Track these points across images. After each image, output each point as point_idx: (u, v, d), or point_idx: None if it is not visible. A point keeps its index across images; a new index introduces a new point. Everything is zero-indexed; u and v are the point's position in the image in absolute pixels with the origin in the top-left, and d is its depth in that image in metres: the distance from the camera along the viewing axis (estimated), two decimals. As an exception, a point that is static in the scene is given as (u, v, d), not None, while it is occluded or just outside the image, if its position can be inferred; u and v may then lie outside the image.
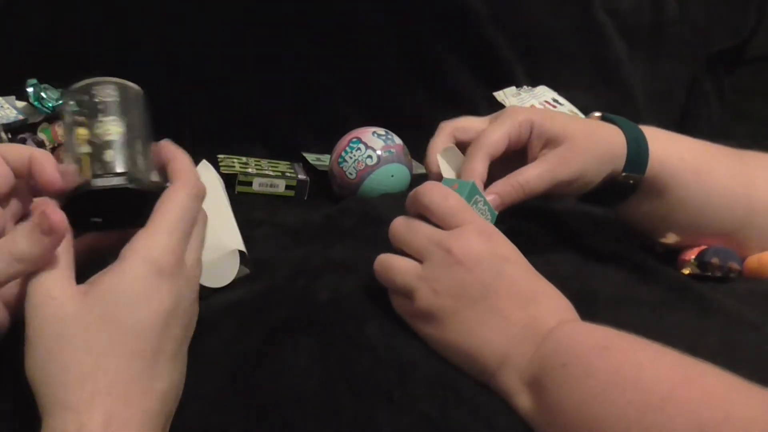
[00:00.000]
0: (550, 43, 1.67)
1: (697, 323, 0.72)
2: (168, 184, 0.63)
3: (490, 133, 0.82)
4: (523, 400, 0.63)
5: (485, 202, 0.77)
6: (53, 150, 1.21)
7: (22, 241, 0.55)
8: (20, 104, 1.25)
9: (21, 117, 1.20)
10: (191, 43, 1.56)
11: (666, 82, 1.71)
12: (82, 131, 0.62)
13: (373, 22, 1.56)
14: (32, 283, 0.57)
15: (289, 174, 1.29)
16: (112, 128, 0.63)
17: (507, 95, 1.56)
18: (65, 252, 0.59)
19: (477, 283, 0.66)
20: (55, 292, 0.56)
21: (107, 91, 0.66)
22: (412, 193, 0.74)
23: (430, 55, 1.62)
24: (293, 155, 1.44)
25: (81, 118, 0.63)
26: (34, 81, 1.26)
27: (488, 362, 0.65)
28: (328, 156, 1.26)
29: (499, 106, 1.54)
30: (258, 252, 0.95)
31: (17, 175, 0.62)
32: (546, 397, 0.61)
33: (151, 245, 0.58)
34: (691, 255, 0.88)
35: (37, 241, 0.55)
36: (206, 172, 0.98)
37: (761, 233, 0.89)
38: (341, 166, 1.18)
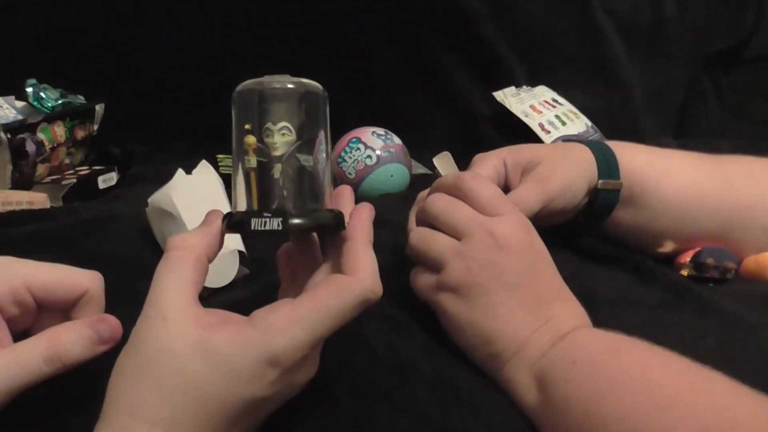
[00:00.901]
0: (549, 43, 1.68)
1: (695, 324, 0.72)
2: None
3: (476, 171, 0.82)
4: (528, 394, 0.64)
5: None
6: (53, 150, 1.21)
7: (74, 347, 0.55)
8: (19, 104, 1.25)
9: (20, 117, 1.20)
10: (191, 44, 1.56)
11: (664, 81, 1.71)
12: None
13: (373, 22, 1.56)
14: (152, 291, 0.56)
15: (288, 174, 1.29)
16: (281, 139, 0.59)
17: (506, 95, 1.56)
18: (191, 267, 0.57)
19: (512, 271, 0.67)
20: (169, 314, 0.54)
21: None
22: (451, 177, 0.74)
23: (429, 55, 1.62)
24: (293, 155, 1.44)
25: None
26: (33, 81, 1.26)
27: (505, 348, 0.66)
28: (328, 156, 1.26)
29: (498, 106, 1.54)
30: (258, 252, 0.95)
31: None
32: (552, 392, 0.61)
33: (283, 336, 0.53)
34: (687, 257, 0.89)
35: (89, 350, 0.56)
36: (206, 172, 0.98)
37: (752, 232, 0.89)
38: (341, 166, 1.18)
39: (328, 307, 0.54)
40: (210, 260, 0.59)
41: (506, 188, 0.83)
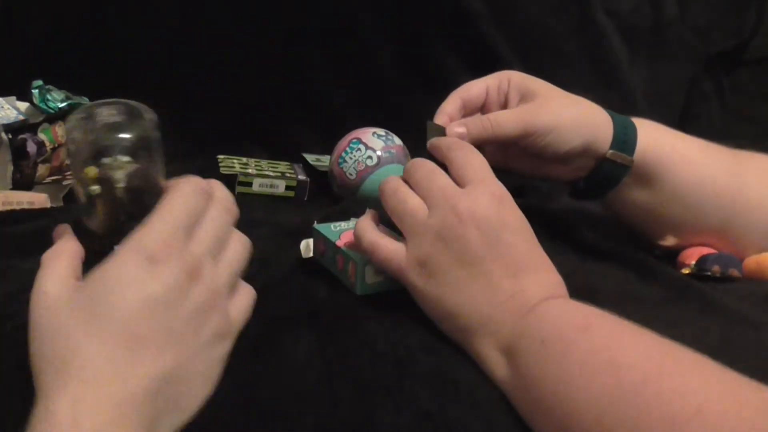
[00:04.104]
0: (549, 44, 1.68)
1: (697, 321, 0.72)
2: None
3: (469, 83, 0.87)
4: (498, 369, 0.64)
5: None
6: (53, 150, 1.21)
7: None
8: (21, 105, 1.25)
9: (21, 117, 1.20)
10: (191, 44, 1.56)
11: (666, 83, 1.71)
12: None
13: (373, 22, 1.56)
14: (35, 282, 0.58)
15: (289, 174, 1.29)
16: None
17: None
18: (65, 251, 0.61)
19: (475, 246, 0.67)
20: (49, 287, 0.57)
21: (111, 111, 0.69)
22: (440, 140, 0.75)
23: (429, 56, 1.62)
24: (293, 156, 1.44)
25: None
26: (39, 82, 1.26)
27: (469, 323, 0.66)
28: (328, 156, 1.26)
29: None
30: (258, 252, 0.95)
31: None
32: (523, 370, 0.62)
33: (143, 233, 0.58)
34: (692, 259, 0.88)
35: None
36: None
37: (755, 232, 0.89)
38: (341, 166, 1.18)
39: (169, 200, 0.62)
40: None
41: (505, 106, 0.85)
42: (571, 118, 0.83)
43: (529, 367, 0.61)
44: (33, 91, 1.26)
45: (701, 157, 0.88)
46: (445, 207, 0.68)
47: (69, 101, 1.28)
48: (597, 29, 1.67)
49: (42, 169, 1.20)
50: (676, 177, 0.86)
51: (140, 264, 0.56)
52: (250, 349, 0.68)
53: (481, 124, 0.81)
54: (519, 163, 0.90)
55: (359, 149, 1.17)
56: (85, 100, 1.32)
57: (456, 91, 0.86)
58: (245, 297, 0.66)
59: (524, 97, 0.84)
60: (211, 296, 0.59)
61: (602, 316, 0.62)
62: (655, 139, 0.86)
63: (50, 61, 1.54)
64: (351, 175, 1.17)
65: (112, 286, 0.55)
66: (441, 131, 0.82)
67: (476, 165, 0.71)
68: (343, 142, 1.20)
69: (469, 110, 0.86)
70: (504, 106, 0.86)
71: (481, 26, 1.60)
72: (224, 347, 0.61)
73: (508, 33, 1.63)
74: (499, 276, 0.66)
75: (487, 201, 0.68)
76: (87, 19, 1.59)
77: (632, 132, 0.85)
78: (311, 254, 0.86)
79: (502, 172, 1.08)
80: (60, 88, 1.30)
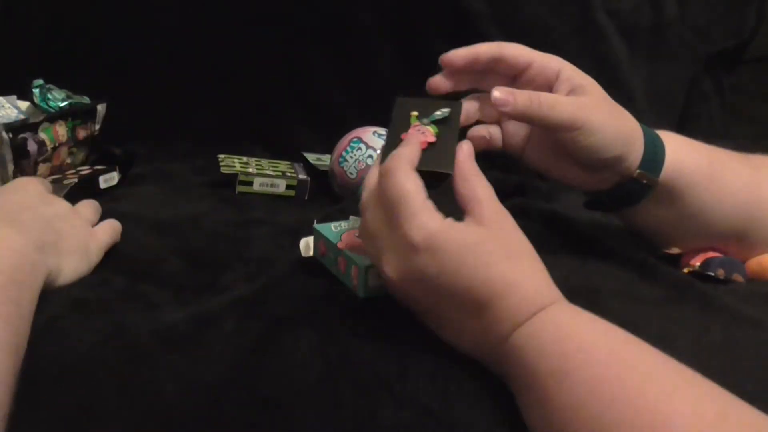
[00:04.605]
0: (550, 44, 1.66)
1: (700, 319, 0.72)
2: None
3: (515, 44, 0.82)
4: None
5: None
6: (54, 150, 1.21)
7: None
8: (22, 104, 1.25)
9: (22, 117, 1.20)
10: (192, 44, 1.56)
11: (666, 82, 1.71)
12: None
13: (374, 21, 1.56)
14: None
15: (289, 174, 1.29)
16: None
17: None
18: None
19: (422, 302, 0.68)
20: None
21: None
22: (374, 183, 0.73)
23: (430, 55, 1.61)
24: (294, 155, 1.44)
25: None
26: (40, 82, 1.26)
27: (468, 353, 0.66)
28: (329, 156, 1.26)
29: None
30: (258, 252, 0.95)
31: None
32: (517, 399, 0.62)
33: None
34: (696, 261, 0.88)
35: None
36: None
37: (765, 239, 0.88)
38: (342, 165, 1.18)
39: None
40: None
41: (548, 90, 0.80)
42: (617, 126, 0.79)
43: (521, 400, 0.61)
44: (34, 90, 1.26)
45: (723, 174, 0.85)
46: (397, 247, 0.66)
47: (70, 100, 1.28)
48: (597, 29, 1.67)
49: (42, 169, 1.20)
50: (698, 196, 0.83)
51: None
52: (251, 349, 0.68)
53: (530, 99, 0.75)
54: (539, 157, 0.85)
55: (360, 148, 1.17)
56: (85, 99, 1.32)
57: (499, 43, 0.80)
58: (107, 222, 0.93)
59: (574, 90, 0.79)
60: (71, 208, 0.89)
61: (584, 352, 0.59)
62: (681, 159, 0.83)
63: (51, 60, 1.54)
64: (351, 174, 1.17)
65: None
66: (418, 105, 0.79)
67: (402, 201, 0.66)
68: (344, 142, 1.20)
69: (502, 69, 0.81)
70: (544, 90, 0.79)
71: (481, 26, 1.60)
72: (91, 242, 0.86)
73: (509, 33, 1.63)
74: (460, 320, 0.65)
75: (404, 259, 0.65)
76: (88, 18, 1.59)
77: (661, 151, 0.82)
78: (311, 253, 0.86)
79: (503, 169, 1.08)
80: (61, 87, 1.30)
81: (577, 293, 0.69)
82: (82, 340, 0.69)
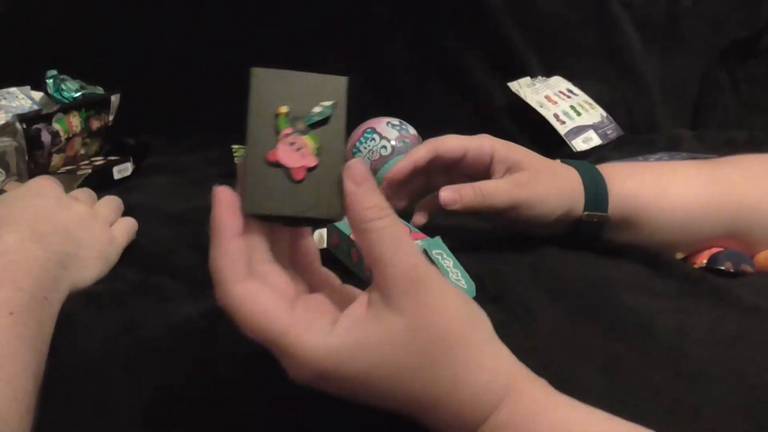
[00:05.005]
0: (564, 35, 1.67)
1: (714, 312, 0.72)
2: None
3: (447, 137, 0.86)
4: None
5: (455, 264, 0.75)
6: (68, 140, 1.21)
7: None
8: (35, 94, 1.26)
9: (36, 107, 1.21)
10: (206, 35, 1.56)
11: (680, 73, 1.71)
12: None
13: (388, 14, 1.56)
14: None
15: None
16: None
17: (521, 85, 1.56)
18: None
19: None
20: None
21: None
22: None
23: (444, 46, 1.62)
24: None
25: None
26: (54, 72, 1.27)
27: None
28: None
29: (513, 96, 1.54)
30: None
31: None
32: None
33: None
34: (703, 258, 0.88)
35: None
36: None
37: (761, 230, 0.88)
38: (355, 156, 1.18)
39: None
40: None
41: (483, 175, 0.85)
42: (556, 189, 0.84)
43: None
44: (47, 81, 1.26)
45: (676, 181, 0.87)
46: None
47: (83, 91, 1.29)
48: (612, 21, 1.67)
49: (56, 159, 1.21)
50: (654, 210, 0.85)
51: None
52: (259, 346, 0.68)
53: (473, 192, 0.81)
54: (503, 223, 0.89)
55: (373, 139, 1.17)
56: (99, 90, 1.33)
57: (433, 141, 0.85)
58: (124, 221, 0.91)
59: (510, 169, 0.84)
60: (90, 211, 0.85)
61: None
62: (624, 181, 0.86)
63: (65, 51, 1.54)
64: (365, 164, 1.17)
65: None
66: (284, 89, 0.55)
67: (258, 338, 0.53)
68: (358, 132, 1.20)
69: (439, 163, 0.86)
70: (482, 172, 0.85)
71: (496, 17, 1.60)
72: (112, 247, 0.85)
73: (524, 25, 1.63)
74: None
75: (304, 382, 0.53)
76: (102, 9, 1.59)
77: (602, 187, 0.85)
78: (324, 245, 0.87)
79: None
80: (74, 78, 1.30)
81: (593, 285, 0.69)
82: (95, 336, 0.70)
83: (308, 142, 0.54)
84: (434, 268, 0.53)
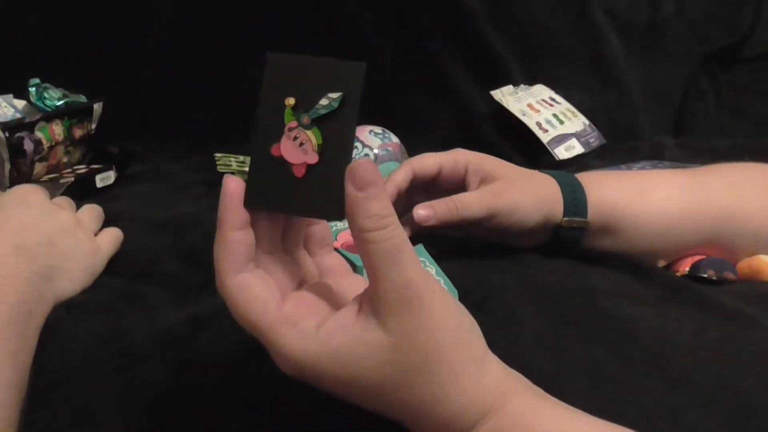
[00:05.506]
0: (547, 42, 1.68)
1: (697, 318, 0.72)
2: None
3: (422, 155, 0.86)
4: None
5: (438, 271, 0.77)
6: (51, 149, 1.21)
7: None
8: (18, 102, 1.25)
9: (18, 115, 1.20)
10: (188, 42, 1.56)
11: (663, 80, 1.71)
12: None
13: (371, 20, 1.56)
14: None
15: (286, 172, 1.29)
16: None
17: (504, 94, 1.56)
18: None
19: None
20: None
21: None
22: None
23: (427, 54, 1.62)
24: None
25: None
26: (36, 81, 1.26)
27: None
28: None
29: (496, 105, 1.54)
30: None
31: None
32: None
33: None
34: (685, 266, 0.88)
35: None
36: None
37: (741, 238, 0.89)
38: (339, 164, 1.18)
39: None
40: None
41: (461, 188, 0.85)
42: (533, 196, 0.84)
43: None
44: (30, 89, 1.26)
45: (655, 189, 0.88)
46: None
47: (66, 99, 1.28)
48: (594, 27, 1.67)
49: (39, 167, 1.20)
50: (633, 217, 0.86)
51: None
52: (249, 347, 0.68)
53: (446, 207, 0.81)
54: (482, 235, 0.89)
55: (356, 147, 1.17)
56: (82, 98, 1.32)
57: (409, 161, 0.86)
58: (110, 231, 0.91)
59: (485, 180, 0.84)
60: (74, 220, 0.85)
61: None
62: (602, 189, 0.86)
63: (47, 59, 1.54)
64: (348, 173, 1.17)
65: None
66: (296, 78, 0.54)
67: (249, 329, 0.55)
68: (341, 140, 1.20)
69: (418, 182, 0.86)
70: (459, 185, 0.86)
71: (478, 24, 1.60)
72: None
73: (506, 31, 1.64)
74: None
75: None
76: (84, 17, 1.59)
77: (580, 193, 0.86)
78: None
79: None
80: (57, 86, 1.30)
81: (574, 294, 0.69)
82: (79, 344, 0.69)
83: (311, 137, 0.52)
84: (430, 282, 0.52)
